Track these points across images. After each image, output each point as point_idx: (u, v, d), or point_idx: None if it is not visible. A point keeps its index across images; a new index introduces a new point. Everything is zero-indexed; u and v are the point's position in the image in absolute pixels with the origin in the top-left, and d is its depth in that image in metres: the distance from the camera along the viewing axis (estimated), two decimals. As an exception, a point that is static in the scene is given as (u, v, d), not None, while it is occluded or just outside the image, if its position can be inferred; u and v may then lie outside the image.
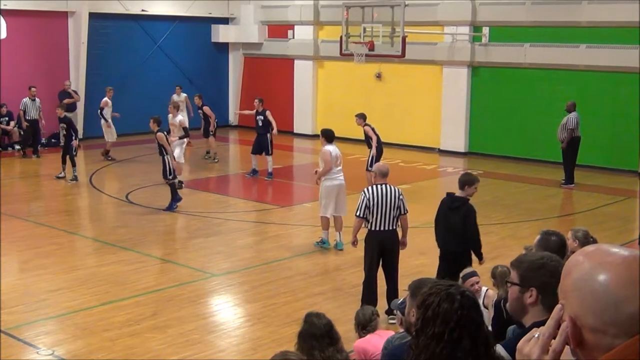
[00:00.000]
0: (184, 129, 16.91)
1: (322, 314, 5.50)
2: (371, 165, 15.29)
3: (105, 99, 20.83)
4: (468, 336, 2.84)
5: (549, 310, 2.55)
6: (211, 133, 20.45)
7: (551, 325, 1.70)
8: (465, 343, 2.83)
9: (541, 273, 3.39)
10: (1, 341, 8.36)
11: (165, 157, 14.78)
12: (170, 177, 14.91)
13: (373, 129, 16.01)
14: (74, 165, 17.50)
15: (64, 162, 17.68)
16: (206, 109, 20.43)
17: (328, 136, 12.50)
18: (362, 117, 16.30)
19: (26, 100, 21.28)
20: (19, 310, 9.41)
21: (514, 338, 3.62)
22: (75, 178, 17.44)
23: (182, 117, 17.15)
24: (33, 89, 21.24)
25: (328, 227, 12.28)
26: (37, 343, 8.41)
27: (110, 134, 20.73)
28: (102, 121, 20.68)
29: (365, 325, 6.38)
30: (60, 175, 17.72)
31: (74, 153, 17.57)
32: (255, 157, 18.14)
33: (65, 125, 17.69)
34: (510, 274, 3.66)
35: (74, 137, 17.70)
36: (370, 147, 15.99)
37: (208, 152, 20.78)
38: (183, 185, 16.76)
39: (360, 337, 6.31)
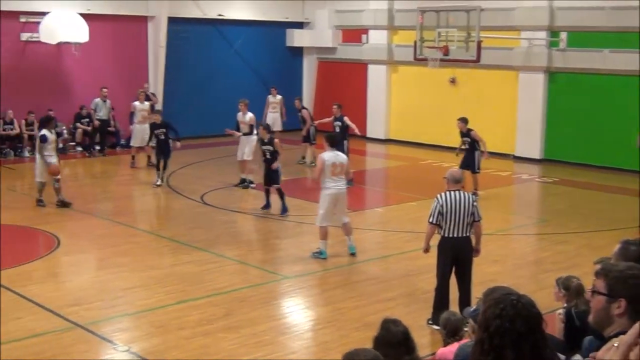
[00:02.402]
0: (250, 126, 17.00)
1: (399, 321, 5.16)
2: (478, 168, 16.04)
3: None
4: (510, 345, 2.81)
5: (635, 322, 2.49)
6: (311, 139, 20.08)
7: (633, 334, 1.69)
8: (507, 352, 2.80)
9: (632, 284, 3.31)
10: (80, 336, 8.62)
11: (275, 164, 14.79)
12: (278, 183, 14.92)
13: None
14: (165, 168, 17.38)
15: (158, 168, 17.30)
16: (305, 112, 20.40)
17: (330, 140, 12.05)
18: (464, 121, 16.38)
19: (97, 100, 21.84)
20: (97, 306, 9.67)
21: (593, 350, 3.56)
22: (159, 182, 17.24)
23: (251, 115, 17.16)
24: (104, 89, 21.79)
25: (325, 237, 11.89)
26: (114, 339, 8.62)
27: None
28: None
29: (456, 332, 6.00)
30: (158, 184, 17.17)
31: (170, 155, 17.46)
32: None
33: (164, 130, 17.24)
34: (583, 286, 3.58)
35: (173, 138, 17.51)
36: (474, 150, 16.12)
37: (304, 158, 20.55)
38: (253, 185, 16.93)
39: (447, 344, 5.94)
